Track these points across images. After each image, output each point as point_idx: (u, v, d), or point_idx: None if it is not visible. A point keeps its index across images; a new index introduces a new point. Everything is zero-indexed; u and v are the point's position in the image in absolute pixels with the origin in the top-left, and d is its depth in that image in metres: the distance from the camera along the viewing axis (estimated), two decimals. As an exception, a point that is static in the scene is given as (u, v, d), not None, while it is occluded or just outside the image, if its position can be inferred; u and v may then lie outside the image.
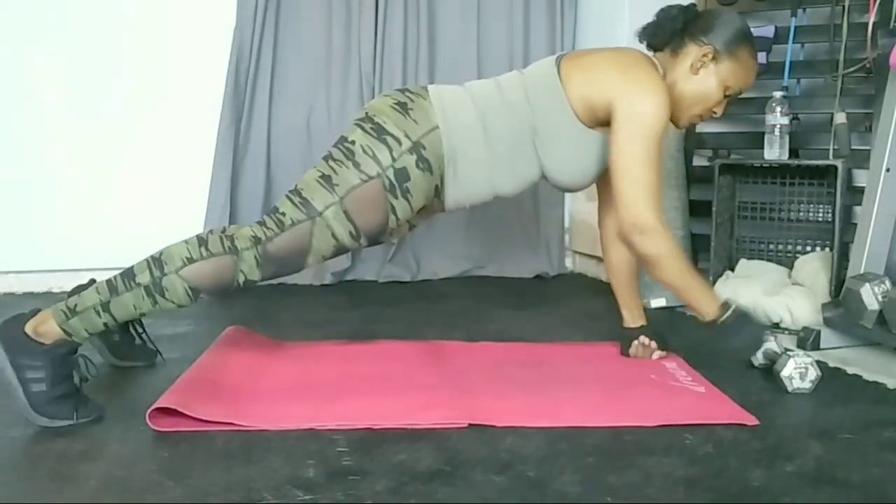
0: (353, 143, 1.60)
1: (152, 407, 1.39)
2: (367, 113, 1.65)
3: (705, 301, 1.69)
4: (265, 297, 2.57)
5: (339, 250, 1.62)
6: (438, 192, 1.68)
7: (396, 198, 1.59)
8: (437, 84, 1.75)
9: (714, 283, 2.41)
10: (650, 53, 1.75)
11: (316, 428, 1.40)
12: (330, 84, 3.00)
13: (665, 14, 1.74)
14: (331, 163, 1.60)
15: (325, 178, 1.58)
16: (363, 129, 1.61)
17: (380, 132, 1.60)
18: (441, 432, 1.39)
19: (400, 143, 1.59)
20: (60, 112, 2.76)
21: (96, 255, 2.57)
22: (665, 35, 1.73)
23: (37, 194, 2.76)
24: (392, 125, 1.60)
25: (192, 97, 2.86)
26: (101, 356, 1.80)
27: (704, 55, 1.68)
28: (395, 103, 1.63)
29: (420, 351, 1.91)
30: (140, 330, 1.84)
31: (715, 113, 1.74)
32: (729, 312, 1.67)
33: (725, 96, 1.72)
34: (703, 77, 1.70)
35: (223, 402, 1.47)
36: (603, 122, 1.66)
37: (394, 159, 1.58)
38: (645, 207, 1.60)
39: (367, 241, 1.64)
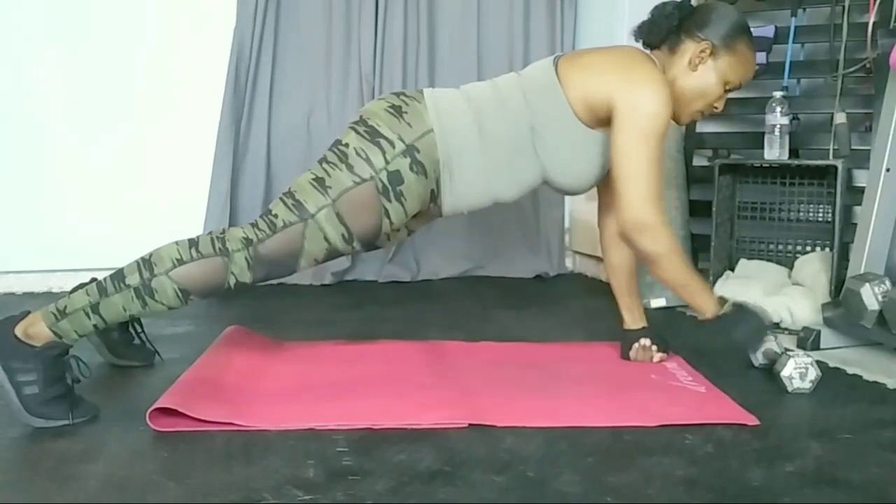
0: (346, 145, 1.60)
1: (152, 407, 1.39)
2: (361, 116, 1.64)
3: (705, 298, 1.70)
4: (265, 297, 2.57)
5: (332, 253, 1.61)
6: (434, 197, 1.66)
7: (390, 201, 1.58)
8: (435, 86, 1.73)
9: (714, 283, 2.41)
10: (647, 51, 1.74)
11: (316, 428, 1.40)
12: (330, 84, 3.00)
13: (660, 11, 1.72)
14: (324, 165, 1.59)
15: (318, 181, 1.57)
16: (357, 132, 1.61)
17: (373, 135, 1.59)
18: (441, 432, 1.39)
19: (393, 146, 1.58)
20: (60, 112, 2.76)
21: (96, 255, 2.56)
22: (661, 32, 1.71)
23: (37, 194, 2.76)
24: (385, 128, 1.59)
25: (192, 97, 2.86)
26: (99, 354, 1.80)
27: (702, 51, 1.67)
28: (390, 106, 1.63)
29: (420, 351, 1.91)
30: (139, 329, 1.84)
31: (716, 108, 1.73)
32: (728, 306, 1.69)
33: (725, 91, 1.71)
34: (702, 73, 1.68)
35: (223, 402, 1.47)
36: (604, 122, 1.65)
37: (387, 162, 1.57)
38: (646, 205, 1.59)
39: (361, 246, 1.62)
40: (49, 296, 2.65)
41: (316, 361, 1.83)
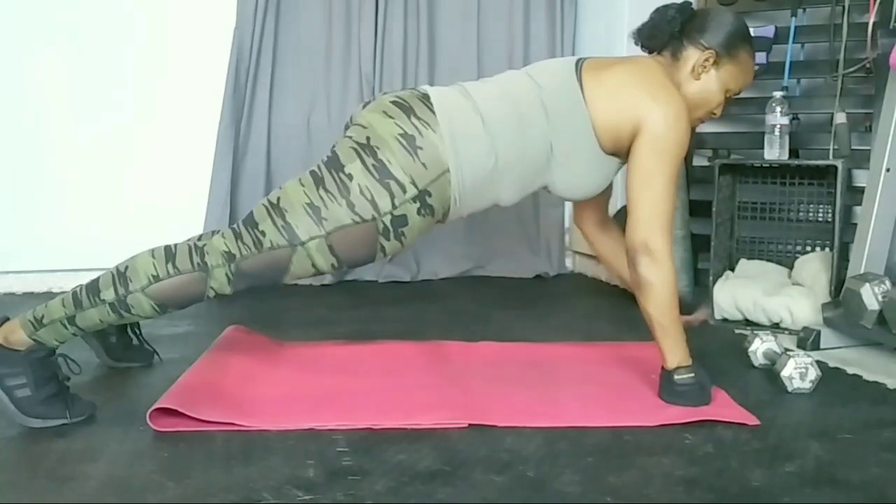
0: (349, 177, 1.47)
1: (152, 407, 1.39)
2: (368, 138, 1.50)
3: (675, 348, 1.56)
4: (265, 297, 2.57)
5: (318, 274, 1.56)
6: (438, 222, 1.61)
7: (388, 240, 1.51)
8: (440, 90, 1.58)
9: (714, 283, 2.40)
10: (655, 57, 1.71)
11: (316, 428, 1.40)
12: (330, 84, 3.00)
13: (661, 15, 1.68)
14: (321, 192, 1.47)
15: (313, 208, 1.47)
16: (363, 162, 1.48)
17: (383, 174, 1.47)
18: (441, 432, 1.39)
19: (404, 191, 1.47)
20: (61, 112, 2.76)
21: (96, 254, 2.55)
22: (663, 38, 1.67)
23: (37, 194, 2.76)
24: (398, 168, 1.47)
25: (192, 97, 2.86)
26: (97, 357, 1.80)
27: (706, 59, 1.64)
28: (402, 135, 1.49)
29: (420, 351, 1.91)
30: (137, 331, 1.84)
31: (714, 114, 1.72)
32: (689, 374, 1.54)
33: (725, 98, 1.70)
34: (705, 81, 1.65)
35: (223, 402, 1.47)
36: (620, 151, 1.62)
37: (394, 206, 1.47)
38: (658, 231, 1.54)
39: (350, 269, 1.59)
40: (49, 296, 2.63)
41: (316, 361, 1.83)
